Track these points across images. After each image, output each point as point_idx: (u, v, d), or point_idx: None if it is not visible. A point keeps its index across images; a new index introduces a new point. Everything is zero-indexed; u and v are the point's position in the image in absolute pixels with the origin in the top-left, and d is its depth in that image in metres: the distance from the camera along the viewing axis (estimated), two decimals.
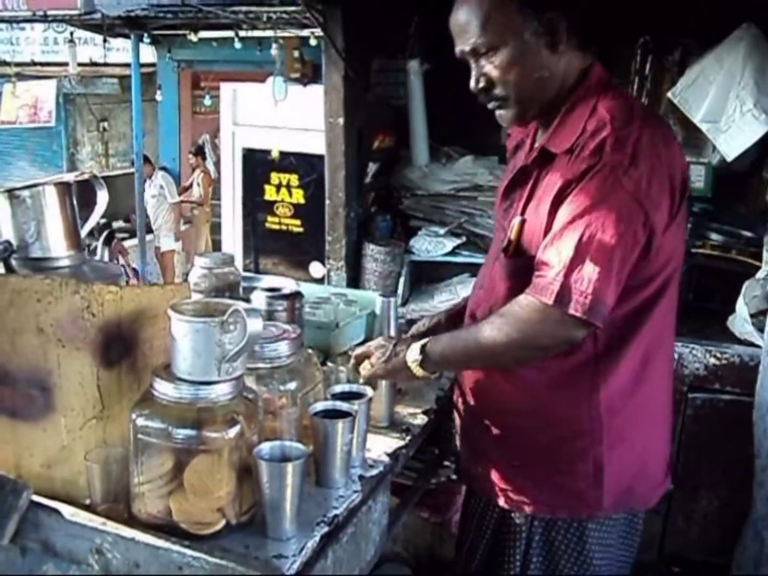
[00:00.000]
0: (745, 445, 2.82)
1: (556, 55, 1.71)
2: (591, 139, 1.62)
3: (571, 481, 1.79)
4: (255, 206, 6.09)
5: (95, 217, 1.81)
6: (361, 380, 1.86)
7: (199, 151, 9.84)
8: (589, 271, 1.56)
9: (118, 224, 9.65)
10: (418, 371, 1.77)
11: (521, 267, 1.70)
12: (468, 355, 1.76)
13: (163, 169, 9.82)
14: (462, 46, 1.74)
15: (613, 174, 1.57)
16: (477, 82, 1.75)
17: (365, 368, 1.87)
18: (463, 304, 2.07)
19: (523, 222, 1.73)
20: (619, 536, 1.87)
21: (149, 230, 8.97)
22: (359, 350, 1.93)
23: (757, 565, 2.66)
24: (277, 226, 5.97)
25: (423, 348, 1.77)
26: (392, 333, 2.51)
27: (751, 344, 2.99)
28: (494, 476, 1.87)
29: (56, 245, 1.68)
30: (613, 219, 1.57)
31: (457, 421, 2.01)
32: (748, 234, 3.44)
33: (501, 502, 1.87)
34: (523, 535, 1.85)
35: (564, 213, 1.61)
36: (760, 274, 3.18)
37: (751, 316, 3.02)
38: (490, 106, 1.78)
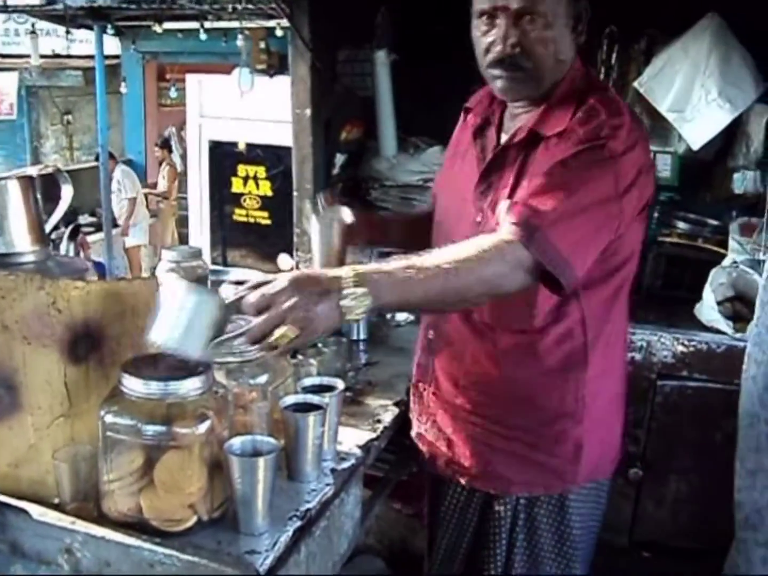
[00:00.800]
0: (713, 431, 2.85)
1: (574, 43, 1.72)
2: (586, 123, 1.64)
3: (552, 459, 1.84)
4: (222, 199, 6.07)
5: (60, 212, 1.78)
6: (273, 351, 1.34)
7: (165, 144, 9.75)
8: (564, 232, 1.54)
9: (84, 218, 9.54)
10: (357, 314, 1.34)
11: None
12: (424, 299, 1.47)
13: (128, 162, 9.72)
14: (507, 2, 1.63)
15: (603, 155, 1.60)
16: (509, 45, 1.66)
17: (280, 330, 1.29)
18: None
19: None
20: (591, 506, 1.95)
21: (116, 224, 8.88)
22: (253, 293, 1.33)
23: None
24: (244, 219, 5.95)
25: (365, 280, 1.35)
26: (361, 325, 2.51)
27: (718, 331, 3.01)
28: (476, 462, 1.87)
29: (20, 240, 1.66)
30: (599, 201, 1.59)
31: (426, 411, 1.97)
32: (714, 222, 3.47)
33: (484, 487, 1.88)
34: (508, 517, 1.88)
35: (554, 174, 1.60)
36: (726, 262, 3.21)
37: (718, 303, 3.05)
38: (504, 75, 1.70)
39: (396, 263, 1.42)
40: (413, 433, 2.03)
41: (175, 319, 1.33)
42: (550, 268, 1.52)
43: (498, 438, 1.84)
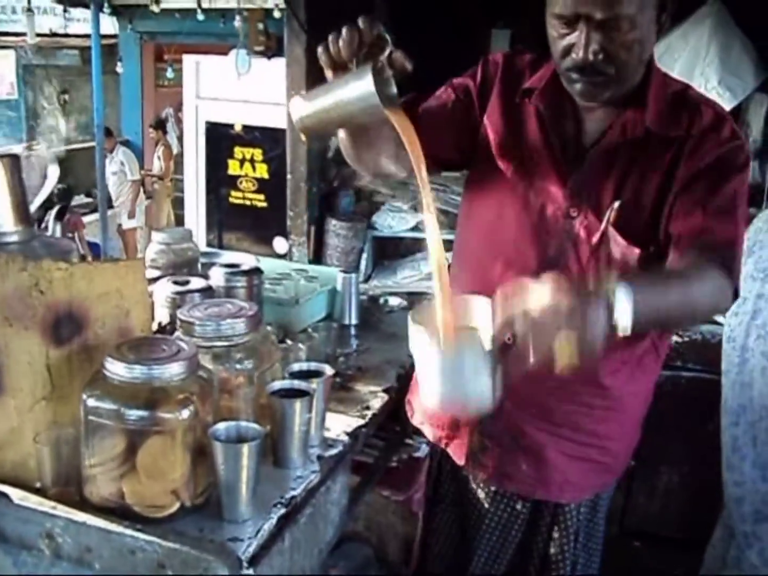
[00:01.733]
0: (706, 421, 2.84)
1: (656, 35, 1.61)
2: (713, 126, 1.63)
3: (616, 460, 1.87)
4: (218, 181, 6.05)
5: (45, 192, 1.76)
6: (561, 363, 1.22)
7: (160, 125, 9.69)
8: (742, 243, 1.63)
9: (79, 199, 9.49)
10: (627, 325, 1.28)
11: (654, 257, 1.64)
12: (675, 318, 1.54)
13: (125, 143, 9.67)
14: (590, 11, 1.50)
15: (742, 153, 1.64)
16: (591, 52, 1.53)
17: (562, 347, 1.20)
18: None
19: (620, 206, 1.63)
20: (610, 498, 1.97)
21: (111, 205, 8.84)
22: (518, 317, 1.22)
23: (724, 563, 2.67)
24: (240, 201, 5.93)
25: (628, 291, 1.29)
26: (353, 310, 2.48)
27: (713, 322, 3.00)
28: (546, 471, 1.81)
29: (4, 220, 1.63)
30: (748, 195, 1.66)
31: (491, 419, 1.75)
32: None
33: (556, 498, 1.85)
34: (572, 526, 1.88)
35: (719, 193, 1.60)
36: None
37: None
38: (584, 80, 1.59)
39: (653, 272, 1.57)
40: (466, 450, 1.89)
41: (452, 385, 1.32)
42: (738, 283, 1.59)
43: (577, 447, 1.80)
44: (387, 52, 1.41)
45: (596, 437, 1.80)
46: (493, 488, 1.89)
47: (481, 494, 1.93)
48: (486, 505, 1.92)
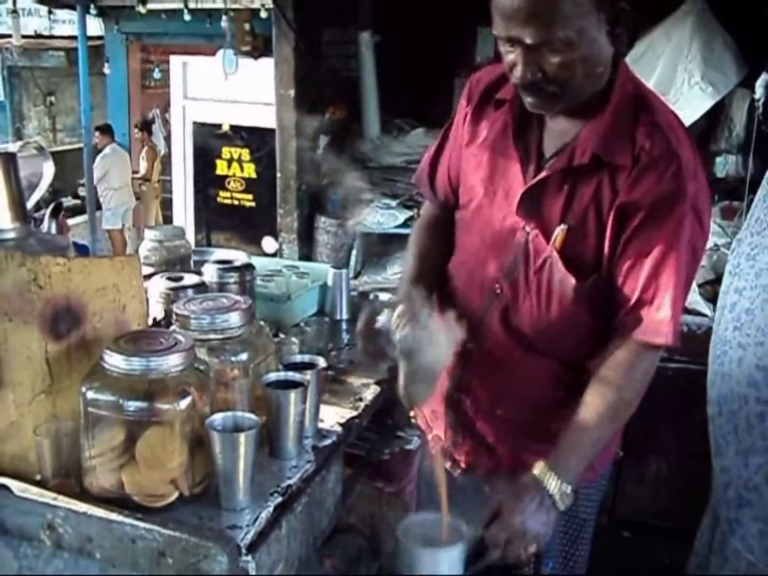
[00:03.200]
0: (692, 412, 2.87)
1: (612, 47, 1.56)
2: (660, 161, 1.57)
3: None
4: (206, 181, 6.05)
5: (41, 189, 1.78)
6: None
7: (145, 126, 9.66)
8: (681, 305, 1.63)
9: (67, 201, 9.46)
10: (564, 504, 1.62)
11: (593, 288, 1.66)
12: (598, 446, 1.69)
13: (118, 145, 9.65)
14: (521, 36, 1.49)
15: (692, 207, 1.58)
16: (528, 74, 1.53)
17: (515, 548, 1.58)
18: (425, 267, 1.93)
19: (567, 230, 1.64)
20: (595, 490, 1.96)
21: (99, 207, 8.82)
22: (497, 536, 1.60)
23: (708, 546, 2.71)
24: (229, 201, 5.94)
25: (561, 477, 1.61)
26: (344, 305, 2.51)
27: (699, 314, 3.05)
28: (520, 469, 1.77)
29: (1, 218, 1.65)
30: (693, 256, 1.63)
31: (463, 420, 1.89)
32: None
33: None
34: None
35: (651, 244, 1.58)
36: (706, 246, 3.23)
37: (699, 286, 3.08)
38: (530, 95, 1.59)
39: (567, 441, 1.65)
40: (444, 444, 1.94)
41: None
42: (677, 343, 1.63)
43: (547, 446, 1.75)
44: None
45: (556, 435, 1.75)
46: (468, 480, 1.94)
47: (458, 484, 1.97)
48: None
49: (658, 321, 1.59)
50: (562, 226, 1.64)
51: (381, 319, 1.69)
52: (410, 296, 1.72)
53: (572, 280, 1.64)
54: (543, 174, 1.68)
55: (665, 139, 1.58)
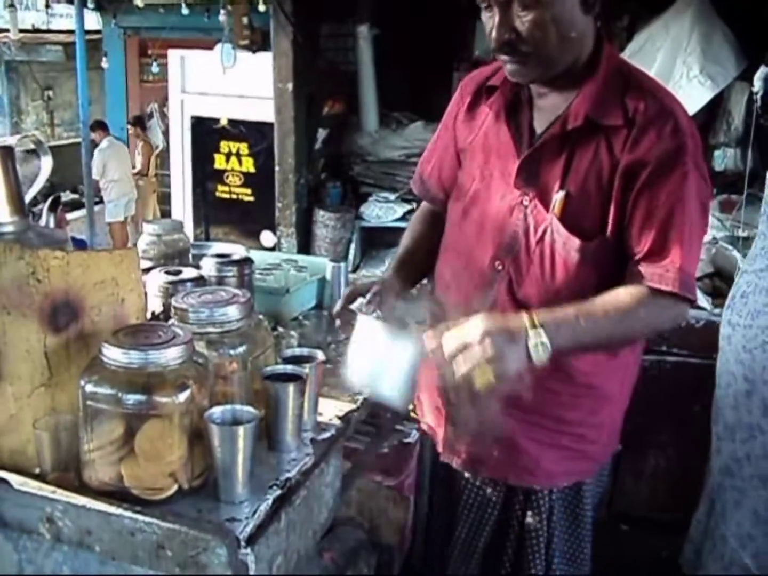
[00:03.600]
0: (691, 405, 2.88)
1: (586, 17, 1.64)
2: (657, 119, 1.61)
3: (594, 446, 1.87)
4: (205, 175, 6.04)
5: (40, 183, 1.78)
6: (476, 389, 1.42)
7: (138, 121, 9.64)
8: (692, 258, 1.63)
9: (65, 195, 9.46)
10: (542, 358, 1.48)
11: (599, 248, 1.68)
12: (592, 343, 1.61)
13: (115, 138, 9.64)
14: None
15: (695, 162, 1.62)
16: (502, 33, 1.60)
17: (481, 371, 1.41)
18: (414, 248, 2.02)
19: (566, 196, 1.67)
20: (597, 484, 1.98)
21: (100, 200, 8.83)
22: (448, 341, 1.45)
23: (703, 534, 2.73)
24: (227, 195, 5.93)
25: (546, 330, 1.48)
26: None
27: (698, 307, 3.04)
28: (524, 460, 1.84)
29: None
30: (702, 209, 1.65)
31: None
32: None
33: (529, 483, 1.87)
34: (545, 510, 1.88)
35: (659, 198, 1.61)
36: (705, 239, 3.23)
37: (698, 279, 3.08)
38: (507, 59, 1.66)
39: (566, 310, 1.55)
40: (441, 436, 1.97)
41: (380, 367, 1.52)
42: (693, 297, 1.63)
43: (548, 433, 1.82)
44: None
45: (566, 424, 1.82)
46: (467, 474, 1.94)
47: (457, 478, 1.98)
48: (462, 489, 1.97)
49: (665, 267, 1.60)
50: (561, 193, 1.67)
51: (356, 303, 1.74)
52: (385, 284, 1.77)
53: (577, 241, 1.66)
54: (538, 143, 1.72)
55: (657, 99, 1.65)
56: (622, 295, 1.61)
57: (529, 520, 1.90)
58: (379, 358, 1.54)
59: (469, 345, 1.41)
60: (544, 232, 1.69)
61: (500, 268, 1.75)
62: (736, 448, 2.50)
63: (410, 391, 1.54)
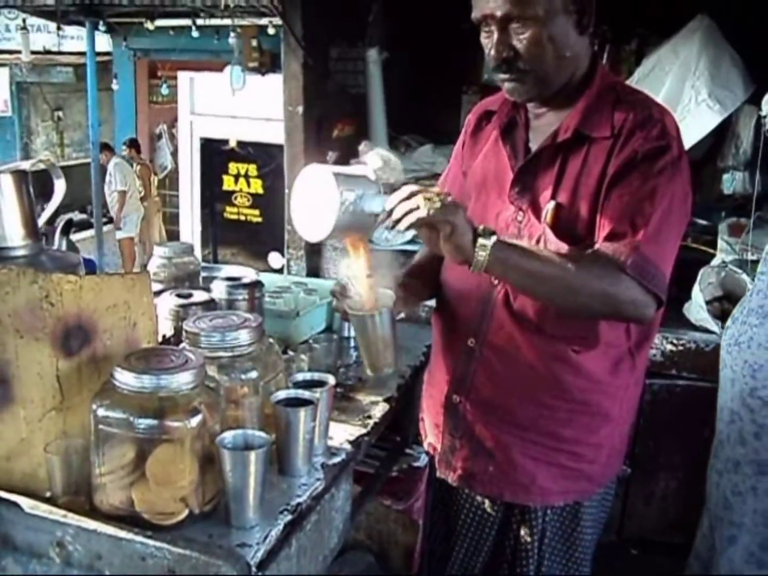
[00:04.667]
0: (701, 428, 2.87)
1: (581, 37, 1.68)
2: (645, 124, 1.64)
3: (592, 466, 1.85)
4: (213, 196, 6.07)
5: (53, 206, 1.79)
6: (404, 222, 1.53)
7: (133, 144, 9.62)
8: (658, 248, 1.62)
9: (74, 216, 9.48)
10: (479, 258, 1.52)
11: (587, 249, 1.66)
12: (540, 276, 1.60)
13: (122, 158, 9.68)
14: (492, 10, 1.62)
15: (676, 160, 1.63)
16: (500, 51, 1.65)
17: (418, 205, 1.50)
18: (422, 263, 2.03)
19: (557, 206, 1.69)
20: (600, 507, 1.95)
21: (109, 221, 8.85)
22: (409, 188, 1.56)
23: (710, 549, 2.72)
24: (235, 217, 5.95)
25: (495, 236, 1.54)
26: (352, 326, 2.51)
27: (707, 330, 3.04)
28: (520, 477, 1.83)
29: (13, 234, 1.66)
30: (678, 211, 1.65)
31: (462, 425, 1.88)
32: (703, 222, 3.50)
33: (525, 501, 1.85)
34: (538, 528, 1.87)
35: (631, 186, 1.62)
36: (714, 262, 3.23)
37: (707, 303, 3.08)
38: (505, 77, 1.69)
39: (521, 241, 1.64)
40: (439, 451, 1.96)
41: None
42: (655, 290, 1.60)
43: (544, 450, 1.81)
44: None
45: (563, 441, 1.81)
46: (465, 490, 1.93)
47: (455, 496, 1.97)
48: (460, 507, 1.96)
49: (622, 244, 1.59)
50: (552, 202, 1.69)
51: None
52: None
53: (565, 246, 1.67)
54: (531, 155, 1.76)
55: (646, 109, 1.68)
56: (578, 254, 1.62)
57: (523, 539, 1.89)
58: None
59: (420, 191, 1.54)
60: (537, 242, 1.71)
61: (496, 282, 1.77)
62: (738, 481, 2.53)
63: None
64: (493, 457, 1.85)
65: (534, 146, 1.78)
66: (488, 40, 1.67)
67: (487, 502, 1.91)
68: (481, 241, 1.52)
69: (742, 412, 2.53)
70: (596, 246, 1.62)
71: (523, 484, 1.83)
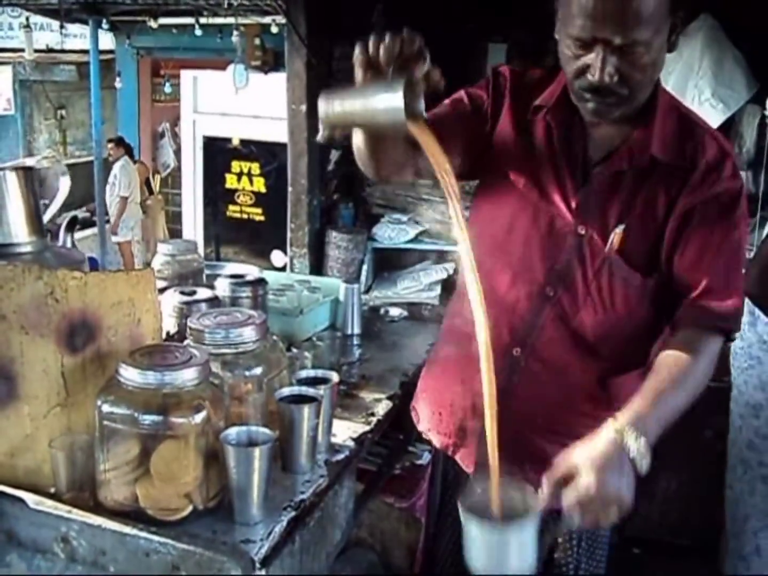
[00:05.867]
0: (703, 428, 2.87)
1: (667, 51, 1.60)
2: (719, 162, 1.65)
3: None
4: (216, 195, 6.06)
5: (58, 203, 1.79)
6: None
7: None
8: (742, 295, 1.69)
9: (78, 213, 9.46)
10: (645, 464, 1.46)
11: (657, 283, 1.69)
12: (686, 404, 1.60)
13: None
14: (609, 36, 1.49)
15: (744, 199, 1.67)
16: (607, 75, 1.53)
17: (605, 515, 1.42)
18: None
19: (625, 230, 1.66)
20: None
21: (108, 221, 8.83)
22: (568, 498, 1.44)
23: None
24: (238, 215, 5.94)
25: (640, 433, 1.47)
26: (355, 320, 2.52)
27: None
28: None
29: (18, 231, 1.66)
30: (744, 248, 1.72)
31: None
32: None
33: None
34: (574, 534, 1.87)
35: (717, 237, 1.64)
36: None
37: None
38: (599, 100, 1.58)
39: (643, 400, 1.53)
40: (469, 457, 1.90)
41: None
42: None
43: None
44: (425, 69, 1.39)
45: None
46: None
47: None
48: None
49: (727, 308, 1.63)
50: (620, 227, 1.66)
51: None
52: None
53: (638, 276, 1.67)
54: (600, 176, 1.70)
55: (714, 140, 1.67)
56: (684, 357, 1.61)
57: (559, 541, 1.88)
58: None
59: (592, 503, 1.41)
60: (602, 264, 1.68)
61: (551, 294, 1.73)
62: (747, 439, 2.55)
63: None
64: (532, 463, 1.76)
65: (594, 158, 1.72)
66: (584, 59, 1.56)
67: None
68: (637, 459, 1.45)
69: (761, 354, 2.53)
70: (696, 305, 1.64)
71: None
